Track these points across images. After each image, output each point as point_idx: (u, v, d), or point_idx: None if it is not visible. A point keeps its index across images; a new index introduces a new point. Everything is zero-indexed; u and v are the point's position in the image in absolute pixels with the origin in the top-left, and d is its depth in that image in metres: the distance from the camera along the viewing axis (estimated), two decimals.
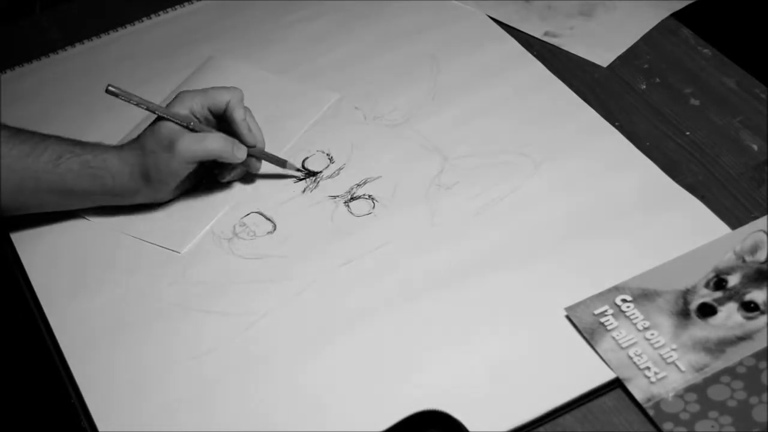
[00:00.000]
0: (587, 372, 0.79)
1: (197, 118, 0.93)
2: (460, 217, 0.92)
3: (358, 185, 0.96)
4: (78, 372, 0.84)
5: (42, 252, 0.94)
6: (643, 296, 0.83)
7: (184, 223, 0.95)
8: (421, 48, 1.09)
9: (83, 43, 1.16)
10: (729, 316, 0.81)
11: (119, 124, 1.03)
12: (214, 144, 0.91)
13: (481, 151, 0.98)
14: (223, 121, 0.94)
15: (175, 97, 0.93)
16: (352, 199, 0.95)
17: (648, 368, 0.78)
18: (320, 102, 1.05)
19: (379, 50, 1.10)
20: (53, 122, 1.06)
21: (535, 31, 1.11)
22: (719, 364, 0.78)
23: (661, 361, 0.79)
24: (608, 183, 0.93)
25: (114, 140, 1.02)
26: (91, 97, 1.09)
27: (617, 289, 0.83)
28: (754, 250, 0.85)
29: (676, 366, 0.78)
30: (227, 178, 0.96)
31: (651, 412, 0.76)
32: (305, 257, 0.91)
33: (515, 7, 1.14)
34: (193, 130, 0.91)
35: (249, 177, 0.98)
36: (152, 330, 0.87)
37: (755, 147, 0.95)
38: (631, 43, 1.08)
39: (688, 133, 0.98)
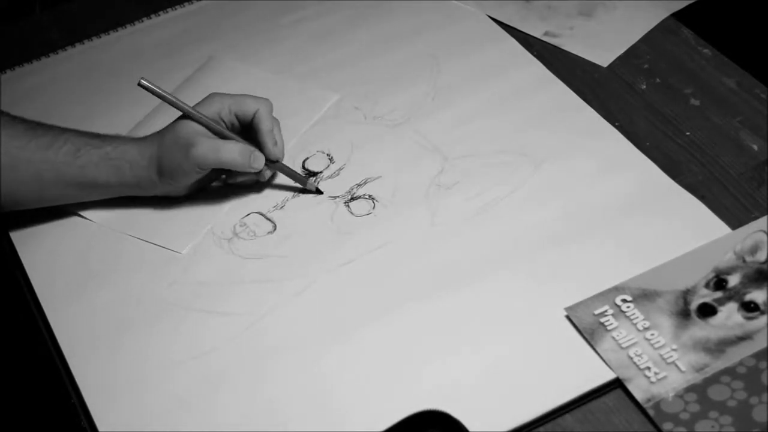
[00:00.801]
0: (587, 372, 0.79)
1: (224, 122, 0.93)
2: (460, 217, 0.92)
3: (358, 185, 0.96)
4: (78, 372, 0.84)
5: (42, 252, 0.94)
6: (643, 296, 0.83)
7: (184, 224, 0.95)
8: (421, 48, 1.09)
9: (83, 43, 1.16)
10: (729, 316, 0.81)
11: (120, 124, 1.02)
12: (228, 155, 0.91)
13: (481, 151, 0.98)
14: (249, 130, 0.94)
15: (205, 98, 0.93)
16: (353, 199, 0.95)
17: (648, 368, 0.78)
18: (320, 102, 1.05)
19: (379, 50, 1.10)
20: (53, 122, 1.06)
21: (535, 31, 1.11)
22: (719, 364, 0.78)
23: (661, 361, 0.79)
24: (608, 183, 0.93)
25: None
26: (91, 97, 1.09)
27: (617, 290, 0.83)
28: (754, 250, 0.85)
29: (676, 366, 0.78)
30: (236, 182, 0.96)
31: (651, 412, 0.76)
32: (305, 257, 0.91)
33: (515, 7, 1.14)
34: (215, 134, 0.91)
35: (248, 177, 0.98)
36: (152, 330, 0.87)
37: (755, 147, 0.95)
38: (631, 43, 1.08)
39: (688, 133, 0.98)
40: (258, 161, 0.92)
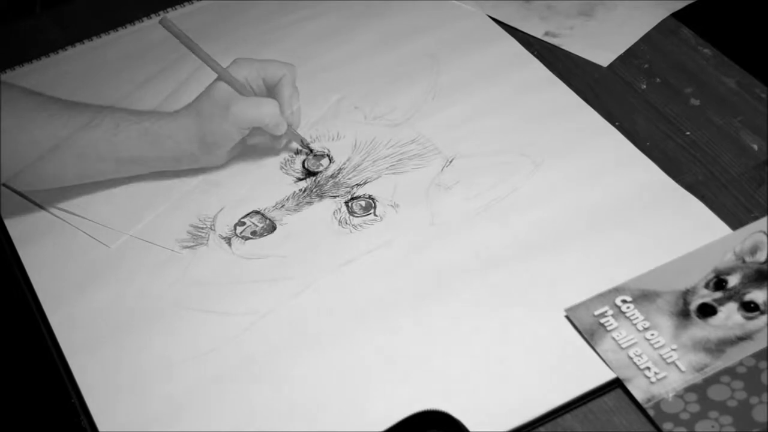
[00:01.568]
0: (587, 372, 0.79)
1: (251, 86, 0.95)
2: (460, 217, 0.92)
3: (358, 185, 0.96)
4: (78, 372, 0.84)
5: (42, 252, 0.94)
6: (643, 297, 0.83)
7: (120, 218, 0.96)
8: (421, 48, 1.09)
9: (83, 43, 1.16)
10: (729, 316, 0.81)
11: None
12: (271, 110, 0.93)
13: (481, 151, 0.98)
14: (271, 95, 0.96)
15: (232, 63, 0.96)
16: (353, 199, 0.95)
17: (648, 368, 0.78)
18: (320, 102, 1.05)
19: (379, 50, 1.10)
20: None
21: (535, 31, 1.11)
22: (719, 364, 0.78)
23: (661, 362, 0.79)
24: (608, 183, 0.93)
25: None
26: (91, 97, 1.09)
27: (617, 290, 0.83)
28: (754, 250, 0.85)
29: (676, 366, 0.78)
30: (253, 142, 0.98)
31: (651, 412, 0.76)
32: (305, 257, 0.91)
33: (515, 7, 1.14)
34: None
35: (249, 177, 0.98)
36: (152, 330, 0.87)
37: (755, 147, 0.95)
38: (631, 43, 1.08)
39: (688, 133, 0.98)
40: (283, 126, 0.95)
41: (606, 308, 0.82)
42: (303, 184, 0.97)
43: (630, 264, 0.85)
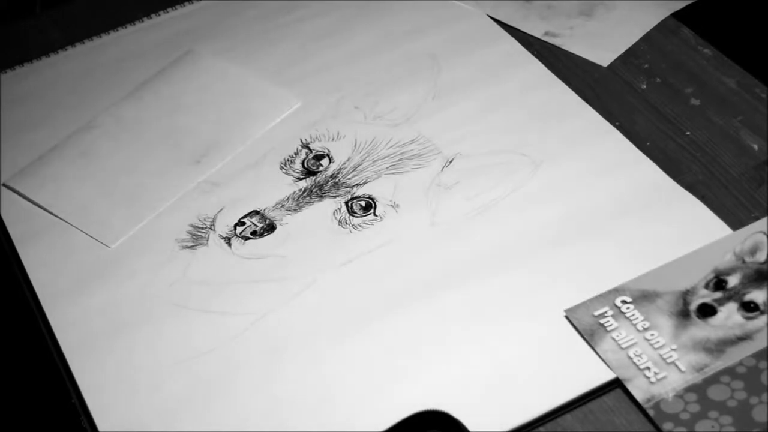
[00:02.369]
0: (587, 372, 0.79)
1: None
2: (460, 217, 0.92)
3: (358, 185, 0.96)
4: (78, 372, 0.84)
5: (42, 252, 0.94)
6: (643, 297, 0.83)
7: (121, 218, 0.96)
8: (421, 48, 1.09)
9: (83, 43, 1.16)
10: (729, 316, 0.81)
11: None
12: None
13: (481, 151, 0.98)
14: None
15: None
16: (353, 199, 0.95)
17: (648, 368, 0.78)
18: (281, 106, 1.04)
19: (379, 50, 1.10)
20: (53, 122, 1.06)
21: (536, 30, 1.11)
22: (719, 364, 0.78)
23: (661, 362, 0.79)
24: (608, 183, 0.93)
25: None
26: (91, 97, 1.09)
27: (617, 291, 0.83)
28: (753, 251, 0.85)
29: (676, 366, 0.78)
30: None
31: (651, 412, 0.76)
32: (305, 257, 0.91)
33: (515, 6, 1.14)
34: None
35: (248, 176, 0.98)
36: (152, 330, 0.87)
37: (755, 147, 0.95)
38: (631, 43, 1.08)
39: (688, 132, 0.98)
40: None
41: (606, 308, 0.82)
42: (303, 184, 0.97)
43: (630, 264, 0.85)
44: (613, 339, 0.80)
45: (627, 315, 0.82)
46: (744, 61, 1.04)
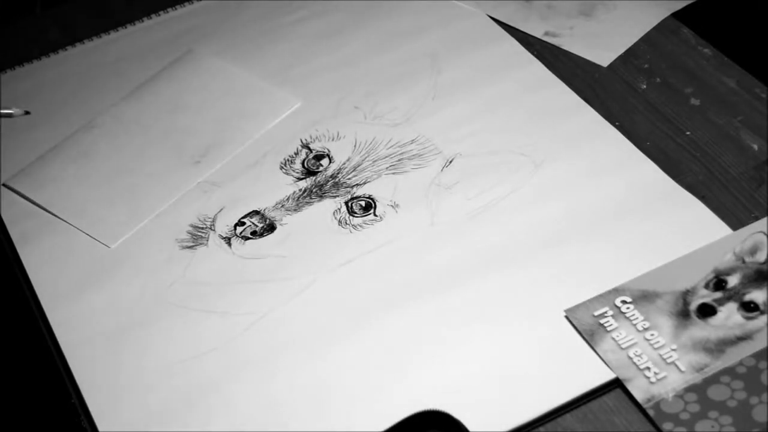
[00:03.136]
0: (587, 372, 0.79)
1: None
2: (460, 217, 0.92)
3: (358, 185, 0.96)
4: (78, 372, 0.84)
5: (42, 252, 0.94)
6: (643, 297, 0.83)
7: (121, 217, 0.96)
8: (421, 48, 1.09)
9: (83, 43, 1.16)
10: (729, 316, 0.81)
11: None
12: None
13: (481, 151, 0.98)
14: None
15: None
16: (353, 199, 0.95)
17: (648, 368, 0.78)
18: (281, 106, 1.04)
19: (379, 50, 1.10)
20: (53, 122, 1.06)
21: (536, 30, 1.11)
22: (719, 364, 0.78)
23: (661, 362, 0.79)
24: (608, 183, 0.93)
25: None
26: (92, 97, 1.09)
27: (617, 291, 0.83)
28: (753, 251, 0.85)
29: (676, 366, 0.78)
30: None
31: (651, 412, 0.76)
32: (305, 257, 0.91)
33: (515, 7, 1.14)
34: None
35: (248, 176, 0.98)
36: (152, 330, 0.87)
37: (755, 147, 0.95)
38: (631, 43, 1.08)
39: (688, 132, 0.98)
40: None
41: (606, 309, 0.82)
42: (303, 184, 0.97)
43: (630, 264, 0.85)
44: (613, 339, 0.80)
45: (627, 315, 0.82)
46: (744, 61, 1.04)
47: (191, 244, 0.93)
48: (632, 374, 0.78)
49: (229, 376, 0.82)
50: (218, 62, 1.10)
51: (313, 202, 0.95)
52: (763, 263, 0.84)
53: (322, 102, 1.05)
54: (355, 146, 1.00)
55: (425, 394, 0.79)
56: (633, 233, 0.88)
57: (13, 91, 1.11)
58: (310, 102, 1.05)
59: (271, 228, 0.94)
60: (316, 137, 1.01)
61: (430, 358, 0.82)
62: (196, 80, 1.07)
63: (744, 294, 0.82)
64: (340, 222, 0.93)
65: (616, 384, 0.79)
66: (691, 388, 0.77)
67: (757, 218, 0.88)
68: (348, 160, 0.99)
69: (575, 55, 1.08)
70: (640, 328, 0.81)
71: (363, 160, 0.98)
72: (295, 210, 0.95)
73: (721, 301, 0.82)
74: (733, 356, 0.78)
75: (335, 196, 0.96)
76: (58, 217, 0.97)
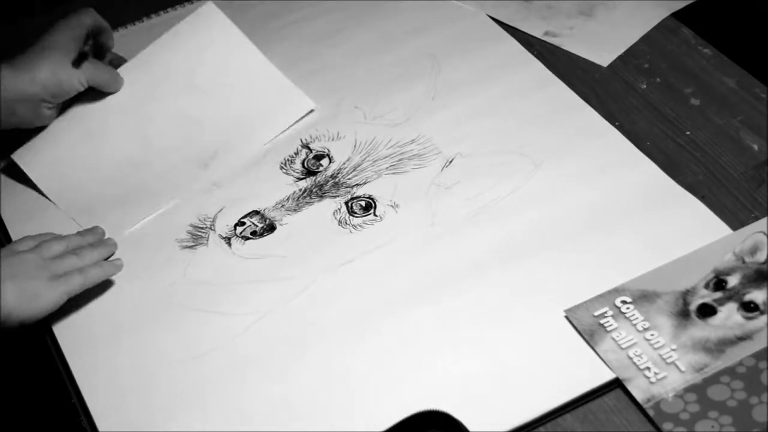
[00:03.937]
0: (587, 372, 0.79)
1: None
2: (460, 217, 0.92)
3: (358, 185, 0.96)
4: (78, 372, 0.84)
5: None
6: (643, 297, 0.83)
7: (130, 207, 0.96)
8: (421, 48, 1.09)
9: None
10: (729, 316, 0.81)
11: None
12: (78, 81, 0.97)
13: (481, 151, 0.98)
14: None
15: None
16: (353, 199, 0.95)
17: (648, 368, 0.78)
18: (297, 108, 1.04)
19: (379, 50, 1.10)
20: (53, 122, 1.06)
21: (536, 30, 1.11)
22: (719, 364, 0.78)
23: (661, 362, 0.79)
24: (608, 183, 0.93)
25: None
26: (91, 97, 1.09)
27: (617, 291, 0.83)
28: (753, 251, 0.85)
29: (676, 366, 0.78)
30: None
31: (651, 412, 0.76)
32: (305, 257, 0.91)
33: (515, 7, 1.14)
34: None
35: (248, 176, 0.98)
36: (152, 330, 0.87)
37: (755, 147, 0.95)
38: (631, 43, 1.08)
39: (688, 132, 0.98)
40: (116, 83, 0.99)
41: (606, 309, 0.82)
42: (303, 184, 0.97)
43: (630, 264, 0.85)
44: (613, 339, 0.80)
45: (627, 315, 0.82)
46: (744, 61, 1.04)
47: (191, 244, 0.93)
48: (632, 374, 0.78)
49: (229, 376, 0.82)
50: (237, 33, 1.07)
51: (313, 202, 0.95)
52: (763, 263, 0.84)
53: (322, 102, 1.05)
54: (355, 146, 1.00)
55: (425, 394, 0.79)
56: (633, 233, 0.88)
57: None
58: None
59: (271, 228, 0.94)
60: (316, 137, 1.01)
61: (430, 358, 0.82)
62: (212, 52, 1.04)
63: (744, 294, 0.82)
64: (340, 222, 0.93)
65: (616, 384, 0.79)
66: (691, 388, 0.77)
67: (757, 218, 0.88)
68: (348, 160, 0.99)
69: (575, 55, 1.08)
70: (640, 328, 0.81)
71: (363, 160, 0.98)
72: (295, 210, 0.95)
73: (721, 301, 0.82)
74: (733, 356, 0.78)
75: (335, 196, 0.96)
76: (59, 207, 0.97)
